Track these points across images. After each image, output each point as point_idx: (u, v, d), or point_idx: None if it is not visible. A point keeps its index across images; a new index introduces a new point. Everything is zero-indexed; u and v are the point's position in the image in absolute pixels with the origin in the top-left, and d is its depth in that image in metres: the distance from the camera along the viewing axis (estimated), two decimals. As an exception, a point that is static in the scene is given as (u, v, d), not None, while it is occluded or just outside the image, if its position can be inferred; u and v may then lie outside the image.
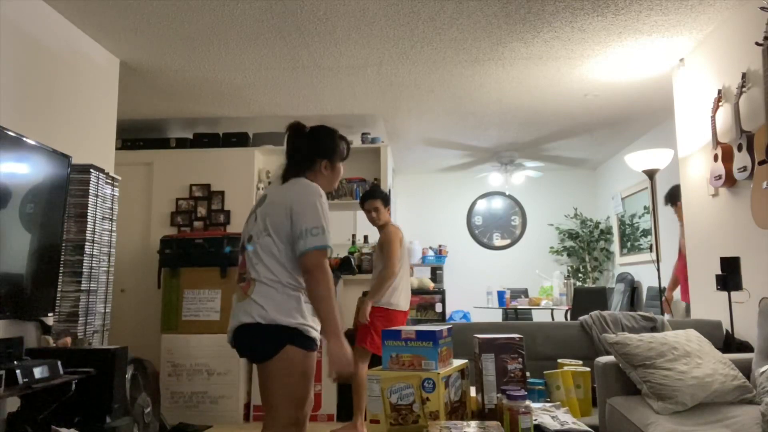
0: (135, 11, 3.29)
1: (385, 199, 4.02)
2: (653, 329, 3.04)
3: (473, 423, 1.49)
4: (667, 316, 4.30)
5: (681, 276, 4.33)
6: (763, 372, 2.13)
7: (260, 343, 2.02)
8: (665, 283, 5.36)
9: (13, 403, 2.66)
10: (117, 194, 3.54)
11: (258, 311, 2.00)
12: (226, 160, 5.18)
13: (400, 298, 3.92)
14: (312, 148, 2.24)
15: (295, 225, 2.03)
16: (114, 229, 3.48)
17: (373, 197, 3.98)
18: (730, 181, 3.22)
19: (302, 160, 2.22)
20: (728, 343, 3.05)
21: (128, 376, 3.05)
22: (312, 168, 2.22)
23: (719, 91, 3.40)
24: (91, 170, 3.22)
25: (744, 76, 3.13)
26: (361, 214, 6.01)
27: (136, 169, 5.21)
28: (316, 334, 2.10)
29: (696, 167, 3.75)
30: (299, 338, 2.03)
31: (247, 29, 3.54)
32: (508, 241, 8.01)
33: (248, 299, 2.03)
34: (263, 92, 4.66)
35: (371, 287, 3.95)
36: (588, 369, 2.58)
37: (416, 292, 6.68)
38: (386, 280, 3.85)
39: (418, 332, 1.68)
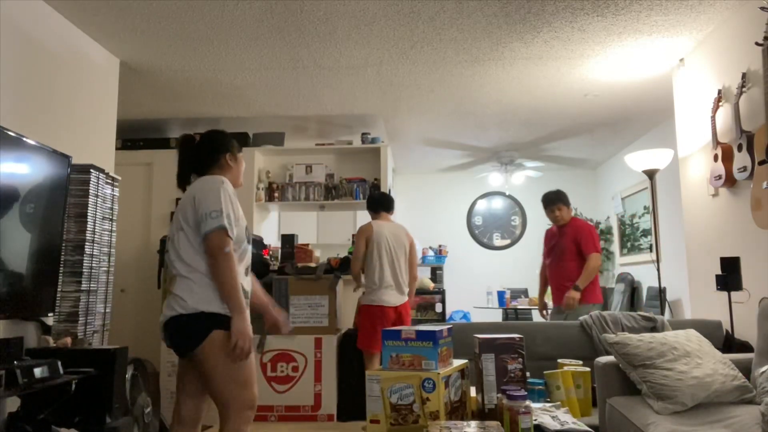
0: (135, 11, 3.29)
1: (369, 203, 4.21)
2: (653, 329, 3.04)
3: (473, 423, 1.49)
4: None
5: (553, 280, 4.13)
6: (763, 372, 2.13)
7: (186, 332, 2.06)
8: (665, 283, 5.36)
9: (13, 403, 2.66)
10: (117, 194, 3.54)
11: (179, 303, 2.06)
12: (226, 160, 5.17)
13: (380, 294, 3.91)
14: (213, 147, 2.33)
15: (197, 212, 2.11)
16: (114, 229, 3.48)
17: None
18: (730, 181, 3.22)
19: (204, 160, 2.30)
20: (728, 343, 3.05)
21: (128, 376, 3.05)
22: (217, 163, 2.31)
23: (719, 91, 3.40)
24: (91, 170, 3.22)
25: (744, 76, 3.13)
26: (361, 214, 6.04)
27: (136, 169, 5.21)
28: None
29: (696, 167, 3.75)
30: (223, 322, 2.06)
31: (248, 29, 3.54)
32: (508, 241, 8.01)
33: (171, 294, 2.10)
34: (263, 92, 4.66)
35: None
36: (588, 369, 2.58)
37: (416, 292, 6.69)
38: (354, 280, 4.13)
39: (418, 332, 1.68)
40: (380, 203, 4.15)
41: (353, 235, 5.44)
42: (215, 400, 2.10)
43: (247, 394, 2.09)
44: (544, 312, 4.40)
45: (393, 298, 3.94)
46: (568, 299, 3.85)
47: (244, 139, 5.35)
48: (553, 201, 4.13)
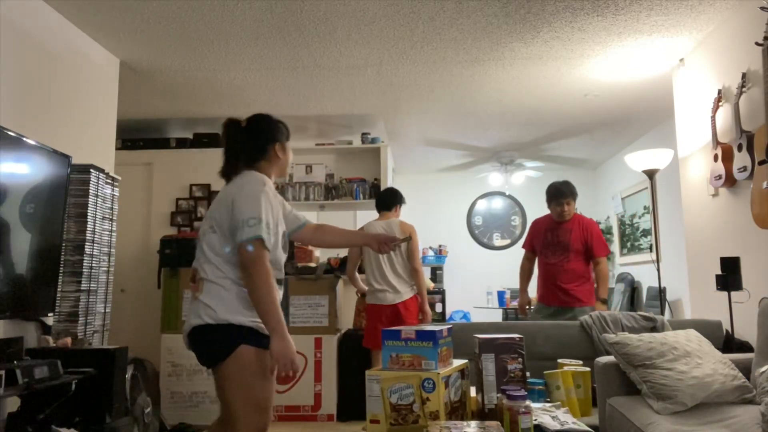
0: (135, 11, 3.29)
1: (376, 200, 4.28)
2: (653, 329, 3.04)
3: (473, 423, 1.49)
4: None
5: (551, 279, 3.80)
6: (763, 372, 2.13)
7: (212, 344, 1.92)
8: (665, 283, 5.36)
9: (13, 403, 2.66)
10: (117, 194, 3.54)
11: (207, 312, 1.91)
12: (226, 160, 5.17)
13: (375, 293, 3.97)
14: (262, 136, 2.12)
15: (234, 217, 1.93)
16: (114, 229, 3.48)
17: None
18: (730, 181, 3.22)
19: (251, 150, 2.10)
20: (728, 343, 3.05)
21: (128, 376, 3.05)
22: (265, 155, 2.11)
23: (719, 91, 3.40)
24: (91, 170, 3.22)
25: (744, 76, 3.13)
26: (361, 214, 6.04)
27: (136, 169, 5.21)
28: (264, 330, 1.99)
29: (696, 167, 3.75)
30: (253, 336, 1.92)
31: (247, 29, 3.54)
32: (508, 241, 8.01)
33: (197, 300, 1.95)
34: (263, 92, 4.66)
35: None
36: (588, 369, 2.58)
37: (416, 292, 6.68)
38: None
39: (418, 332, 1.68)
40: (379, 202, 4.21)
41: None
42: (227, 416, 1.95)
43: (260, 419, 1.94)
44: (527, 308, 4.07)
45: (387, 296, 3.92)
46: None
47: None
48: (564, 194, 3.77)
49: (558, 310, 3.74)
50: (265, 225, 1.90)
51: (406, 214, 7.89)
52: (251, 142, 2.10)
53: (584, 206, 7.82)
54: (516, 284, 7.45)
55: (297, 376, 1.92)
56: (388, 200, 4.23)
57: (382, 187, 5.43)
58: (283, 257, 2.07)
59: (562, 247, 3.78)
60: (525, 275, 4.11)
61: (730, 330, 3.05)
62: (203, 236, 2.01)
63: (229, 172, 2.09)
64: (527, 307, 4.10)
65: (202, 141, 5.30)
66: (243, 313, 1.92)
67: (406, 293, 3.96)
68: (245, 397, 1.90)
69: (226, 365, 1.89)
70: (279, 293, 2.01)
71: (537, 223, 4.01)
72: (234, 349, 1.88)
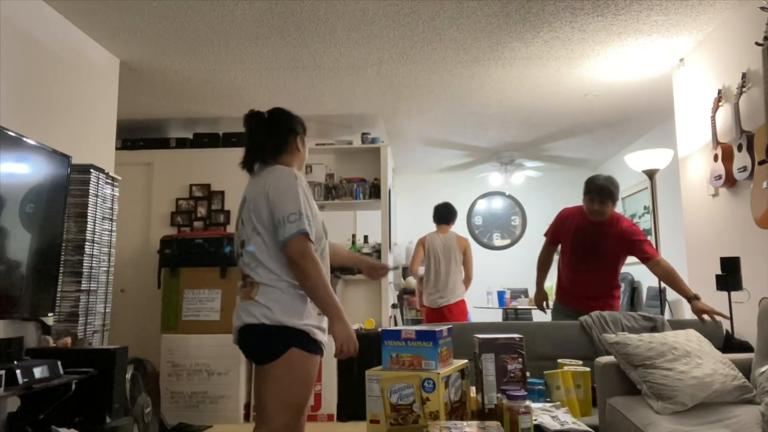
0: (135, 11, 3.29)
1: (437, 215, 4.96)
2: (653, 329, 3.04)
3: (473, 423, 1.49)
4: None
5: (584, 286, 3.41)
6: (763, 372, 2.13)
7: (264, 344, 1.94)
8: (664, 284, 5.35)
9: (13, 403, 2.66)
10: (117, 194, 3.54)
11: (262, 311, 1.93)
12: (226, 160, 5.18)
13: (429, 297, 4.76)
14: (284, 128, 2.13)
15: (273, 215, 1.94)
16: (114, 229, 3.48)
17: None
18: (730, 181, 3.21)
19: (276, 143, 2.10)
20: (728, 343, 3.05)
21: (128, 376, 3.05)
22: (287, 148, 2.11)
23: (719, 91, 3.40)
24: (91, 170, 3.22)
25: (744, 76, 3.13)
26: (361, 214, 6.04)
27: (136, 169, 5.21)
28: (322, 337, 2.02)
29: (696, 167, 3.75)
30: (304, 341, 1.94)
31: (247, 29, 3.54)
32: (508, 241, 8.01)
33: (252, 300, 1.95)
34: (263, 92, 4.66)
35: None
36: (588, 369, 2.58)
37: (417, 292, 6.70)
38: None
39: (418, 332, 1.68)
40: (439, 216, 4.93)
41: (353, 235, 5.46)
42: (258, 409, 1.97)
43: (292, 422, 1.95)
44: (545, 305, 3.66)
45: (437, 300, 4.67)
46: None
47: (244, 139, 5.34)
48: (605, 194, 3.24)
49: (581, 313, 3.22)
50: (305, 218, 1.92)
51: (406, 213, 7.93)
52: (275, 134, 2.10)
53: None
54: (516, 284, 7.51)
55: (356, 353, 1.95)
56: (448, 215, 4.91)
57: (382, 187, 5.44)
58: (328, 245, 2.12)
59: (594, 253, 3.33)
60: (543, 267, 3.68)
61: (730, 330, 3.05)
62: (249, 240, 2.00)
63: (251, 163, 2.10)
64: (545, 303, 3.66)
65: (202, 141, 5.30)
66: (298, 317, 1.94)
67: (452, 298, 4.67)
68: (284, 399, 1.92)
69: (276, 365, 1.91)
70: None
71: (566, 215, 3.48)
72: (285, 351, 1.91)
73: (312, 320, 1.97)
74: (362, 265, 2.35)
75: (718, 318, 2.95)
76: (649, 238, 5.94)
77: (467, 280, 4.74)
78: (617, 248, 3.30)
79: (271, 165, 2.06)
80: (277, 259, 1.96)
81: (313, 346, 1.96)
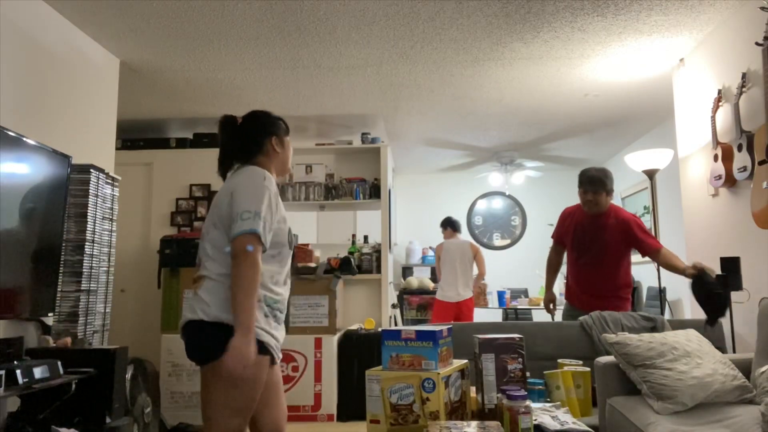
0: (135, 11, 3.29)
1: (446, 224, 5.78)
2: (653, 329, 3.04)
3: (473, 423, 1.49)
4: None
5: (586, 284, 3.39)
6: (763, 372, 2.13)
7: (203, 341, 1.86)
8: (665, 283, 5.36)
9: (13, 403, 2.66)
10: (117, 194, 3.54)
11: (201, 307, 1.86)
12: (226, 160, 5.17)
13: (443, 292, 5.52)
14: (257, 130, 2.07)
15: (232, 209, 1.89)
16: (114, 229, 3.48)
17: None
18: (730, 181, 3.21)
19: (248, 145, 2.05)
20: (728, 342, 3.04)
21: (128, 376, 3.05)
22: (262, 150, 2.06)
23: (719, 91, 3.40)
24: (91, 170, 3.22)
25: (744, 76, 3.13)
26: (361, 214, 6.04)
27: (136, 169, 5.21)
28: (270, 339, 1.91)
29: (696, 167, 3.75)
30: None
31: (247, 29, 3.54)
32: (508, 241, 8.01)
33: (195, 296, 1.90)
34: (263, 92, 4.66)
35: None
36: (588, 369, 2.57)
37: (416, 292, 6.72)
38: None
39: (418, 332, 1.68)
40: (451, 225, 5.73)
41: (353, 235, 5.46)
42: (203, 413, 1.92)
43: (234, 424, 1.87)
44: (551, 306, 3.63)
45: (453, 295, 5.42)
46: None
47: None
48: (595, 183, 3.23)
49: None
50: (261, 219, 1.86)
51: (406, 213, 7.93)
52: (247, 136, 2.06)
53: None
54: (516, 284, 7.51)
55: (241, 380, 1.83)
56: (458, 225, 5.75)
57: (382, 187, 5.45)
58: (289, 255, 2.04)
59: (594, 247, 3.30)
60: (551, 269, 3.63)
61: (730, 330, 3.05)
62: (206, 233, 1.98)
63: (225, 170, 2.07)
64: (552, 305, 3.64)
65: (202, 141, 5.30)
66: None
67: (464, 294, 5.43)
68: (226, 399, 1.84)
69: (215, 366, 1.82)
70: (286, 289, 2.04)
71: (566, 213, 3.52)
72: (225, 350, 1.79)
73: (259, 321, 1.87)
74: None
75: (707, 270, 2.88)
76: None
77: (479, 277, 5.68)
78: (617, 240, 3.25)
79: (246, 166, 2.03)
80: (228, 254, 1.90)
81: (258, 347, 1.85)
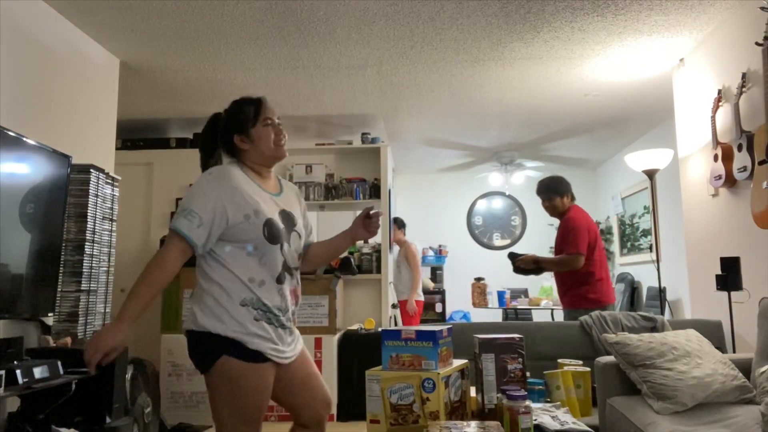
0: (135, 11, 3.29)
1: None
2: (653, 329, 3.04)
3: (473, 423, 1.49)
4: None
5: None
6: (763, 372, 2.13)
7: (196, 351, 1.80)
8: (665, 283, 5.36)
9: (13, 403, 2.66)
10: (117, 194, 3.54)
11: (190, 316, 1.81)
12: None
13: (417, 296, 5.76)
14: (214, 133, 2.03)
15: None
16: (114, 229, 3.48)
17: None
18: (730, 181, 3.22)
19: (208, 150, 2.02)
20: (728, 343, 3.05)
21: (128, 376, 3.05)
22: (232, 150, 1.97)
23: (719, 91, 3.40)
24: (91, 170, 3.22)
25: (744, 76, 3.13)
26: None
27: (136, 169, 5.21)
28: (263, 344, 1.79)
29: (696, 167, 3.75)
30: (235, 348, 1.76)
31: (247, 29, 3.54)
32: (508, 241, 8.01)
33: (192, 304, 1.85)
34: (263, 92, 4.66)
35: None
36: (588, 369, 2.58)
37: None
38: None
39: (418, 332, 1.68)
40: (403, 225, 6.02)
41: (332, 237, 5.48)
42: (215, 423, 1.85)
43: (245, 430, 1.82)
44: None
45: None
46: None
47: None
48: (539, 191, 3.73)
49: (568, 313, 3.65)
50: (188, 216, 1.76)
51: (406, 213, 7.93)
52: (206, 142, 2.03)
53: (584, 206, 7.79)
54: (516, 284, 7.50)
55: (91, 364, 1.69)
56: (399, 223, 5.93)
57: (382, 187, 5.45)
58: (275, 251, 1.84)
59: (555, 250, 3.71)
60: None
61: (730, 330, 3.05)
62: None
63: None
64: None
65: (202, 141, 5.30)
66: (224, 322, 1.76)
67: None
68: (232, 409, 1.78)
69: (211, 375, 1.77)
70: (276, 293, 1.85)
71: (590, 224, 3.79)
72: (215, 361, 1.75)
73: (247, 327, 1.77)
74: (355, 232, 2.06)
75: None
76: (648, 237, 5.95)
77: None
78: (557, 239, 3.66)
79: None
80: (219, 261, 1.82)
81: (249, 354, 1.77)
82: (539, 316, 6.84)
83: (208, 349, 1.76)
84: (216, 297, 1.79)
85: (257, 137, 1.93)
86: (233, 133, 1.96)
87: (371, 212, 2.01)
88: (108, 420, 2.71)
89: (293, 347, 1.92)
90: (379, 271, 5.23)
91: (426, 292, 6.66)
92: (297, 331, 1.99)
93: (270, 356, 1.80)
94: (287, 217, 1.93)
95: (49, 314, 2.92)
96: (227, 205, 1.80)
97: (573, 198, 3.74)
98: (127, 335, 1.69)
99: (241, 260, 1.81)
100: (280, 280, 1.86)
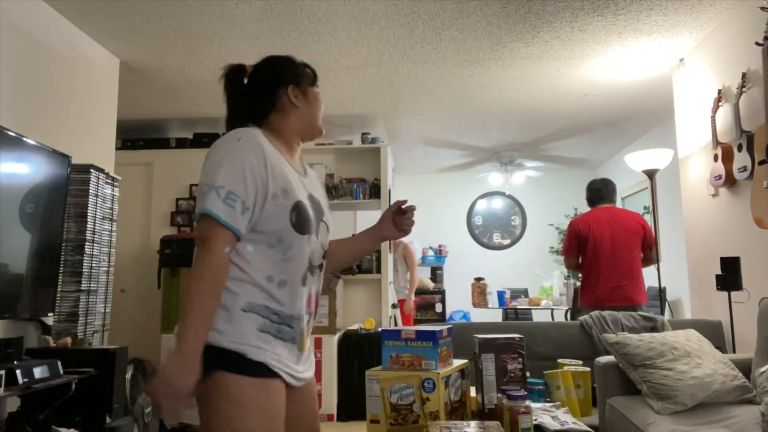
0: (135, 11, 3.29)
1: None
2: (653, 329, 3.04)
3: (473, 423, 1.49)
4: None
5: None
6: (763, 372, 2.13)
7: None
8: (665, 283, 5.36)
9: (13, 403, 2.66)
10: (117, 194, 3.54)
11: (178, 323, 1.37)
12: (226, 160, 5.17)
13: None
14: (268, 79, 1.61)
15: None
16: (114, 229, 3.48)
17: None
18: (730, 181, 3.21)
19: (258, 100, 1.57)
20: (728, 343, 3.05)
21: (128, 376, 3.05)
22: (275, 105, 1.56)
23: (719, 91, 3.40)
24: (91, 170, 3.22)
25: (744, 76, 3.13)
26: (361, 214, 6.04)
27: (136, 169, 5.21)
28: (265, 356, 1.38)
29: (696, 167, 3.75)
30: (234, 361, 1.35)
31: (247, 29, 3.54)
32: (508, 241, 8.01)
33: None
34: (263, 92, 4.65)
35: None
36: (588, 369, 2.58)
37: (416, 292, 6.72)
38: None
39: (418, 332, 1.68)
40: None
41: (353, 235, 5.46)
42: None
43: None
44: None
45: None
46: None
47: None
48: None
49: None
50: (224, 195, 1.36)
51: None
52: (255, 90, 1.59)
53: (584, 206, 7.82)
54: (516, 284, 7.50)
55: (171, 416, 1.28)
56: None
57: (382, 187, 5.45)
58: (302, 245, 1.46)
59: None
60: None
61: (730, 330, 3.05)
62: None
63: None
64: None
65: (202, 141, 5.30)
66: (222, 330, 1.36)
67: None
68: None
69: (201, 393, 1.35)
70: (297, 297, 1.45)
71: None
72: (207, 375, 1.34)
73: (249, 338, 1.37)
74: (384, 230, 1.72)
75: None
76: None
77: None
78: None
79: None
80: None
81: (249, 367, 1.36)
82: (539, 316, 6.84)
83: (202, 361, 1.34)
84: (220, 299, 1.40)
85: (311, 100, 1.61)
86: (287, 84, 1.58)
87: (404, 206, 1.69)
88: (108, 420, 2.71)
89: (308, 366, 1.53)
90: (379, 271, 5.23)
91: (426, 292, 6.66)
92: (312, 350, 1.59)
93: (277, 370, 1.40)
94: (316, 204, 1.53)
95: (49, 314, 2.92)
96: (269, 182, 1.41)
97: (594, 202, 3.91)
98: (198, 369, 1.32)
99: (258, 254, 1.42)
100: (303, 281, 1.48)
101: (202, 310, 1.32)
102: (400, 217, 1.70)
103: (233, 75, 1.62)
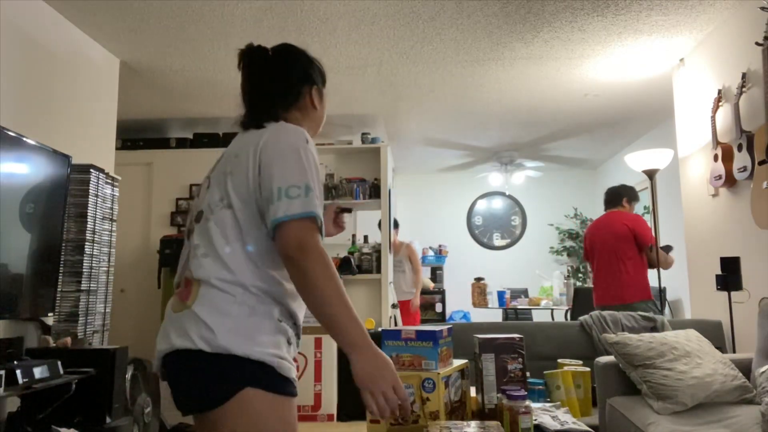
0: (135, 11, 3.29)
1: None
2: (653, 329, 3.04)
3: (473, 423, 1.49)
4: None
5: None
6: (763, 372, 2.13)
7: (202, 381, 1.22)
8: (665, 283, 5.36)
9: (13, 403, 2.66)
10: (117, 194, 3.54)
11: (200, 331, 1.22)
12: (226, 160, 5.17)
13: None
14: (295, 72, 1.52)
15: (264, 184, 1.28)
16: (114, 229, 3.47)
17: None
18: (730, 181, 3.22)
19: (284, 93, 1.50)
20: (728, 343, 3.05)
21: (128, 376, 3.04)
22: (298, 101, 1.49)
23: (719, 91, 3.40)
24: (91, 170, 3.22)
25: (744, 76, 3.13)
26: (361, 214, 6.04)
27: (136, 169, 5.21)
28: (292, 370, 1.30)
29: (696, 167, 3.75)
30: (266, 377, 1.24)
31: (248, 29, 3.54)
32: (508, 241, 8.01)
33: (188, 311, 1.26)
34: (263, 92, 4.65)
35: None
36: (588, 369, 2.58)
37: (416, 292, 6.72)
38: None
39: (418, 332, 1.68)
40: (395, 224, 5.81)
41: (353, 235, 5.46)
42: None
43: None
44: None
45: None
46: None
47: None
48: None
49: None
50: (315, 197, 1.26)
51: (406, 213, 7.93)
52: (281, 79, 1.51)
53: (584, 206, 7.84)
54: (516, 284, 7.50)
55: (406, 408, 1.24)
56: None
57: (382, 187, 5.45)
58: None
59: None
60: None
61: (730, 330, 3.05)
62: (209, 213, 1.32)
63: (259, 119, 1.46)
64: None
65: (202, 141, 5.30)
66: (257, 341, 1.23)
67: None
68: None
69: (222, 413, 1.20)
70: (302, 305, 1.38)
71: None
72: (234, 394, 1.20)
73: (281, 349, 1.27)
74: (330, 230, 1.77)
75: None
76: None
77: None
78: None
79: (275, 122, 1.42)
80: (246, 253, 1.28)
81: (282, 384, 1.26)
82: (539, 316, 6.83)
83: (225, 377, 1.21)
84: (248, 305, 1.25)
85: (324, 105, 1.58)
86: (312, 84, 1.53)
87: (344, 207, 1.76)
88: (108, 420, 2.71)
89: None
90: (379, 271, 5.23)
91: (426, 292, 6.67)
92: None
93: (295, 387, 1.32)
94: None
95: (49, 314, 2.92)
96: (320, 183, 1.34)
97: (605, 208, 4.21)
98: None
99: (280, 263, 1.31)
100: None
101: (348, 312, 1.22)
102: (338, 217, 1.79)
103: (256, 56, 1.58)
